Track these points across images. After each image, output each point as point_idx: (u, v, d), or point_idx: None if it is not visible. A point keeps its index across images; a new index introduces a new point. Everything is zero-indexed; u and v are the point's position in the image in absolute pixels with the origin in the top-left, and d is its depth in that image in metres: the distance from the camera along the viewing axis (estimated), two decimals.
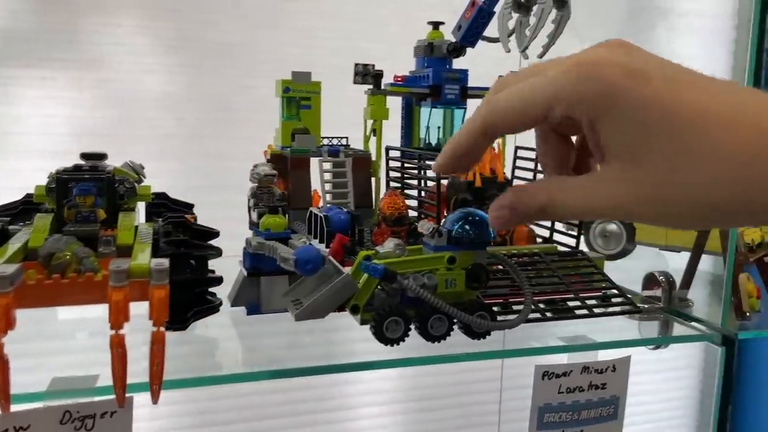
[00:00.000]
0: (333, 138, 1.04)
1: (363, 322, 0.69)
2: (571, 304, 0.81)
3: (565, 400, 0.76)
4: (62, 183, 0.71)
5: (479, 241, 0.69)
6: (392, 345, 0.68)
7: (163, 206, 0.85)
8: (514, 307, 0.77)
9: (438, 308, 0.66)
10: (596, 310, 0.80)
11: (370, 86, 1.04)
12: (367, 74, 1.03)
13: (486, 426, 1.75)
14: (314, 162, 1.00)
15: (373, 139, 1.06)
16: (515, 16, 0.97)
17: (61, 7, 1.26)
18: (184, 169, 1.37)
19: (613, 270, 0.92)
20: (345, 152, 1.02)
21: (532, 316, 0.73)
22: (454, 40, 1.03)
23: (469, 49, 1.04)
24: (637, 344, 0.89)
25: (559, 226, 0.98)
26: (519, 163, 1.04)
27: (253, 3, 1.39)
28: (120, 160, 0.86)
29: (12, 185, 0.85)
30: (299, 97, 1.00)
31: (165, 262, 0.57)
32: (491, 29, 1.00)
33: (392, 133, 1.11)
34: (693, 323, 0.88)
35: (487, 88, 1.07)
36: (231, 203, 0.98)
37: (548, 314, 0.78)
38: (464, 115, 1.09)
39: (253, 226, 0.82)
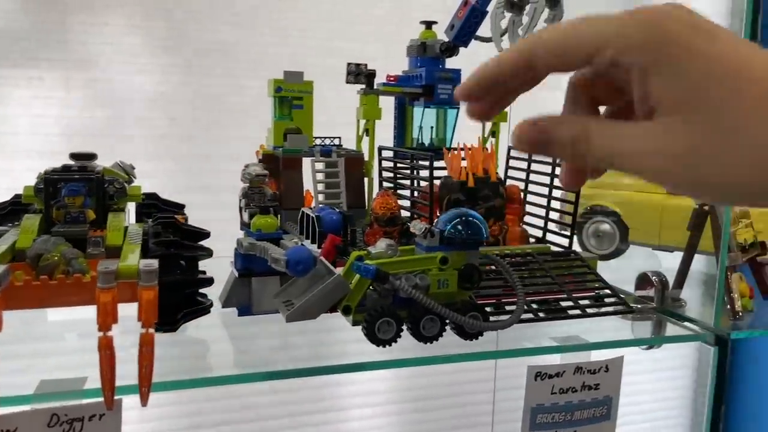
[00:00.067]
0: (325, 138, 1.04)
1: (355, 323, 0.69)
2: (564, 304, 0.80)
3: (557, 400, 0.76)
4: (51, 183, 0.70)
5: (472, 241, 0.69)
6: (384, 346, 0.68)
7: (153, 207, 0.85)
8: (507, 308, 0.77)
9: (430, 309, 0.66)
10: (589, 311, 0.80)
11: (363, 86, 1.03)
12: (360, 74, 1.02)
13: (480, 426, 1.75)
14: (306, 162, 0.99)
15: (365, 139, 1.05)
16: (508, 15, 0.97)
17: (50, 6, 1.25)
18: (175, 170, 1.36)
19: (606, 270, 0.92)
20: (337, 152, 1.01)
21: (524, 316, 0.73)
22: (447, 39, 1.03)
23: (462, 49, 1.03)
24: (630, 344, 0.89)
25: (552, 226, 0.98)
26: (512, 163, 1.04)
27: (245, 2, 1.38)
28: (111, 160, 0.85)
29: (0, 186, 0.84)
30: (291, 97, 1.00)
31: (154, 263, 0.57)
32: (484, 29, 1.00)
33: (385, 132, 1.10)
34: (686, 323, 0.88)
35: None
36: (223, 204, 0.98)
37: (541, 314, 0.78)
38: (457, 115, 1.09)
39: (244, 226, 0.82)
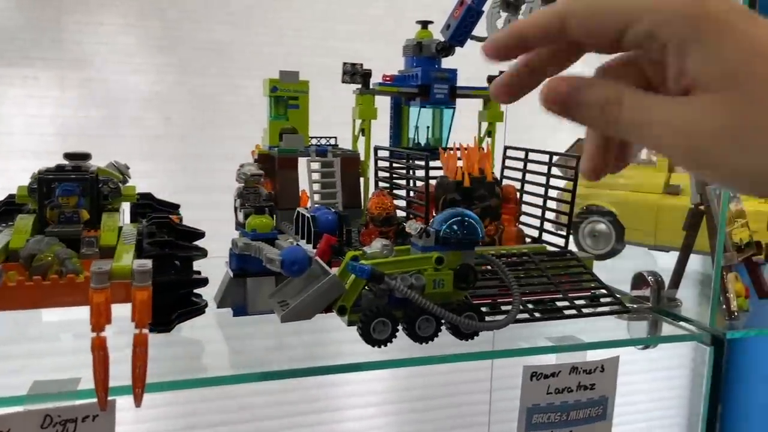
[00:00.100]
0: (321, 138, 1.03)
1: (350, 323, 0.69)
2: (559, 304, 0.80)
3: (553, 400, 0.76)
4: (45, 183, 0.70)
5: (467, 241, 0.69)
6: (379, 346, 0.68)
7: (148, 207, 0.84)
8: (503, 308, 0.77)
9: (426, 309, 0.66)
10: (585, 310, 0.80)
11: (359, 86, 1.03)
12: (356, 73, 1.02)
13: (476, 426, 1.75)
14: (302, 162, 0.99)
15: (361, 139, 1.05)
16: (504, 15, 0.96)
17: (44, 4, 1.25)
18: (171, 170, 1.36)
19: (602, 270, 0.92)
20: (333, 152, 1.01)
21: (520, 316, 0.73)
22: (443, 39, 1.03)
23: (458, 49, 1.03)
24: (626, 344, 0.89)
25: (548, 226, 0.98)
26: (508, 163, 1.04)
27: (240, 2, 1.38)
28: (106, 160, 0.85)
29: None
30: (287, 97, 1.00)
31: (147, 263, 0.57)
32: (480, 28, 1.00)
33: (381, 132, 1.10)
34: (682, 323, 0.88)
35: (476, 88, 1.07)
36: (218, 204, 0.97)
37: (537, 314, 0.78)
38: (453, 115, 1.08)
39: (239, 226, 0.81)
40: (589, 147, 0.38)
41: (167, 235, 0.70)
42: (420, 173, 0.99)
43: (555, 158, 0.96)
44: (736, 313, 0.89)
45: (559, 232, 0.99)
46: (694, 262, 1.01)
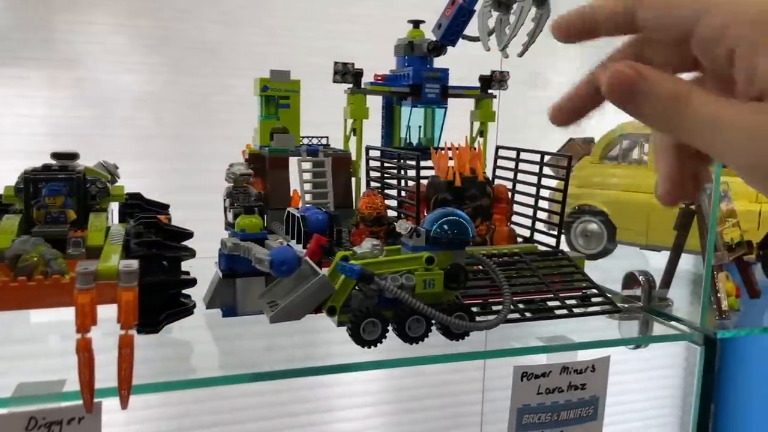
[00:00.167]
0: (312, 137, 1.03)
1: (340, 324, 0.68)
2: (551, 304, 0.80)
3: (544, 401, 0.75)
4: (31, 183, 0.69)
5: (458, 241, 0.68)
6: (369, 347, 0.67)
7: (137, 207, 0.84)
8: (494, 308, 0.77)
9: (416, 309, 0.65)
10: (576, 310, 0.80)
11: (350, 85, 1.03)
12: (347, 73, 1.02)
13: (469, 426, 1.75)
14: (293, 162, 0.99)
15: (353, 139, 1.05)
16: (495, 14, 0.96)
17: (34, 4, 1.24)
18: (161, 170, 1.35)
19: (594, 269, 0.92)
20: (324, 152, 1.01)
21: (511, 316, 0.73)
22: (434, 38, 1.02)
23: (449, 48, 1.03)
24: (617, 344, 0.89)
25: (539, 226, 0.98)
26: (500, 162, 1.04)
27: (232, 1, 1.37)
28: (96, 160, 0.84)
29: None
30: (278, 96, 0.99)
31: (133, 264, 0.56)
32: (471, 28, 1.00)
33: (372, 132, 1.10)
34: (673, 323, 0.88)
35: (468, 87, 1.07)
36: (208, 204, 0.97)
37: (528, 314, 0.78)
38: (445, 115, 1.08)
39: (228, 226, 0.81)
40: (664, 167, 0.37)
41: (155, 235, 0.69)
42: (411, 173, 0.99)
43: (546, 158, 0.96)
44: (726, 313, 0.89)
45: (550, 231, 0.99)
46: (686, 261, 1.01)
